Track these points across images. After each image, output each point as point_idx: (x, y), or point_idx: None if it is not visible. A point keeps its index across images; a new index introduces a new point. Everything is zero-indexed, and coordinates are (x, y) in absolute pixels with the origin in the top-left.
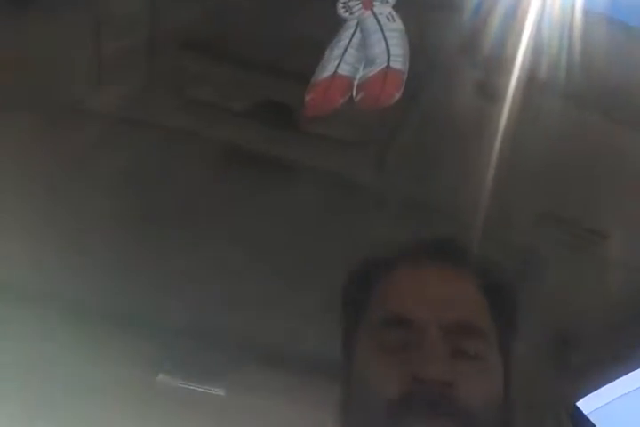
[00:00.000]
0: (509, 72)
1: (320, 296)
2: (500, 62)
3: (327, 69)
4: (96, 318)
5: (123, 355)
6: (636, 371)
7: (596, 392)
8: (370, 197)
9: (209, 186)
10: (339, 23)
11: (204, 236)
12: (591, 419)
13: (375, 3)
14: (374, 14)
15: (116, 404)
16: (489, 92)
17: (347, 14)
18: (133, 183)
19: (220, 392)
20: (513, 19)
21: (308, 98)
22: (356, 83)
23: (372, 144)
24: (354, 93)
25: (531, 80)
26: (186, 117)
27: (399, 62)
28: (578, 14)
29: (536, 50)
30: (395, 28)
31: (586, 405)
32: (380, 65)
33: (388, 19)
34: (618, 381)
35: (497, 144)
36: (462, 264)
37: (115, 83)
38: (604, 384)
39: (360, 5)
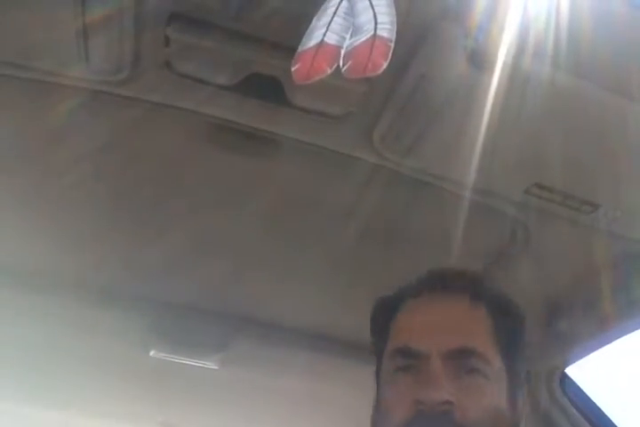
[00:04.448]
0: (499, 40)
1: (316, 269)
2: (489, 30)
3: (314, 38)
4: (90, 294)
5: (115, 329)
6: (622, 338)
7: (584, 359)
8: (359, 170)
9: (196, 160)
10: None
11: (192, 210)
12: (580, 386)
13: None
14: None
15: (108, 378)
16: (478, 60)
17: None
18: (118, 157)
19: (213, 366)
20: None
21: (294, 68)
22: (342, 52)
23: (361, 117)
24: (340, 63)
25: (520, 48)
26: (172, 91)
27: (386, 30)
28: None
29: (526, 18)
30: None
31: (575, 372)
32: (367, 33)
33: None
34: (605, 348)
35: (487, 114)
36: (473, 293)
37: (100, 55)
38: (592, 351)
39: None
